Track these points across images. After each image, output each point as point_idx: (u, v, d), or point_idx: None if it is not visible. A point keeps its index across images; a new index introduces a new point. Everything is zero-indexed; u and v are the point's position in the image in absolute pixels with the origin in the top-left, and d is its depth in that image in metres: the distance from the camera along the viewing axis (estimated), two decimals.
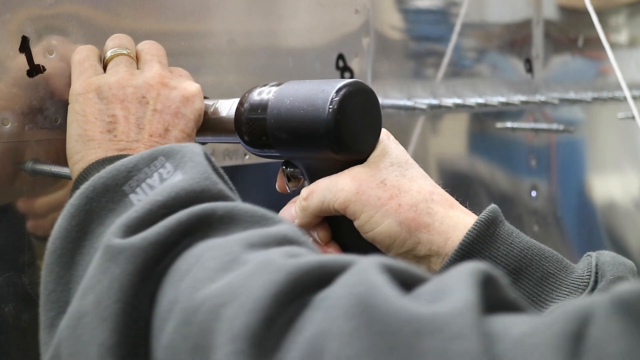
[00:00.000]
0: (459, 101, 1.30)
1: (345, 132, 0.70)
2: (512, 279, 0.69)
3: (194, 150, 0.62)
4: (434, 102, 1.26)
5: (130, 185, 0.61)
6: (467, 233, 0.70)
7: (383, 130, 0.75)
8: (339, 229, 0.75)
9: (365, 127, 0.73)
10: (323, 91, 0.70)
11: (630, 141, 1.81)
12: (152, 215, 0.56)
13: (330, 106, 0.69)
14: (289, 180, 0.78)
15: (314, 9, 1.07)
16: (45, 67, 0.81)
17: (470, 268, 0.44)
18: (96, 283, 0.54)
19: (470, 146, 1.44)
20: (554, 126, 1.51)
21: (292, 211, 0.76)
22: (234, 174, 1.15)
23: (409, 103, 1.21)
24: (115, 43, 0.80)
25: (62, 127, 0.79)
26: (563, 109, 1.60)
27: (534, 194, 1.54)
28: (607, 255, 0.71)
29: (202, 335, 0.47)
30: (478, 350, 0.39)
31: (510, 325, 0.40)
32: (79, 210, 0.60)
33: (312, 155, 0.73)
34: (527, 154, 1.53)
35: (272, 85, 0.75)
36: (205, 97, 0.81)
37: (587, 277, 0.69)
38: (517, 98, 1.40)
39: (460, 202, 0.74)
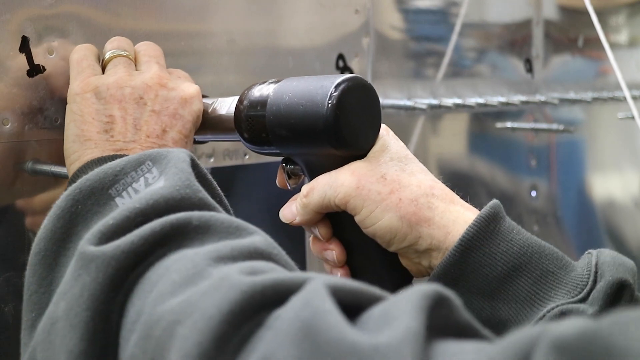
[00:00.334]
0: (459, 101, 1.30)
1: (345, 128, 0.70)
2: (511, 277, 0.69)
3: (179, 156, 0.62)
4: (434, 102, 1.26)
5: (117, 189, 0.61)
6: (467, 228, 0.69)
7: (382, 125, 0.75)
8: (340, 225, 0.75)
9: (365, 122, 0.72)
10: (322, 87, 0.70)
11: (630, 141, 1.81)
12: (129, 222, 0.56)
13: (329, 101, 0.69)
14: (289, 177, 0.78)
15: (314, 9, 1.07)
16: (45, 67, 0.81)
17: (421, 291, 0.43)
18: (69, 289, 0.54)
19: (470, 146, 1.44)
20: (554, 126, 1.51)
21: (292, 209, 0.76)
22: (234, 174, 1.15)
23: (409, 103, 1.21)
24: (114, 45, 0.80)
25: (62, 127, 0.79)
26: (563, 109, 1.60)
27: (534, 193, 1.54)
28: (607, 255, 0.71)
29: (159, 351, 0.47)
30: None
31: (454, 354, 0.40)
32: (64, 211, 0.60)
33: (311, 151, 0.73)
34: (527, 153, 1.53)
35: (271, 82, 0.75)
36: (204, 96, 0.81)
37: (586, 276, 0.69)
38: (517, 98, 1.40)
39: (460, 195, 0.74)
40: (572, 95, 1.55)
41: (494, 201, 0.71)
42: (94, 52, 0.81)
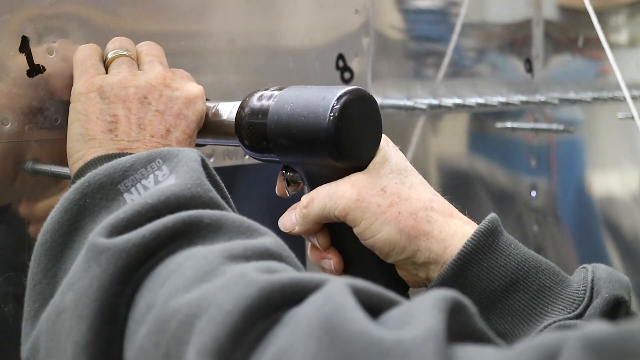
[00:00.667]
0: (459, 101, 1.30)
1: (346, 140, 0.70)
2: (508, 291, 0.69)
3: (191, 155, 0.62)
4: (434, 102, 1.26)
5: (126, 185, 0.61)
6: (465, 243, 0.70)
7: (382, 136, 0.75)
8: (339, 235, 0.75)
9: (366, 134, 0.73)
10: (324, 98, 0.70)
11: (630, 141, 1.81)
12: (140, 217, 0.56)
13: (331, 114, 0.69)
14: (288, 184, 0.78)
15: (314, 9, 1.07)
16: (45, 67, 0.81)
17: (440, 295, 0.44)
18: (77, 280, 0.54)
19: (470, 146, 1.44)
20: (554, 126, 1.51)
21: (292, 218, 0.76)
22: (234, 174, 1.15)
23: (409, 103, 1.21)
24: (116, 45, 0.80)
25: (62, 127, 0.79)
26: (563, 109, 1.60)
27: (533, 193, 1.54)
28: (603, 271, 0.71)
29: (174, 344, 0.48)
30: None
31: (475, 356, 0.40)
32: (72, 204, 0.60)
33: (312, 161, 0.73)
34: (527, 153, 1.53)
35: (274, 90, 0.75)
36: (206, 99, 0.82)
37: (582, 291, 0.69)
38: (517, 98, 1.40)
39: (459, 206, 0.74)
40: (572, 95, 1.55)
41: (492, 215, 0.71)
42: (97, 51, 0.81)
